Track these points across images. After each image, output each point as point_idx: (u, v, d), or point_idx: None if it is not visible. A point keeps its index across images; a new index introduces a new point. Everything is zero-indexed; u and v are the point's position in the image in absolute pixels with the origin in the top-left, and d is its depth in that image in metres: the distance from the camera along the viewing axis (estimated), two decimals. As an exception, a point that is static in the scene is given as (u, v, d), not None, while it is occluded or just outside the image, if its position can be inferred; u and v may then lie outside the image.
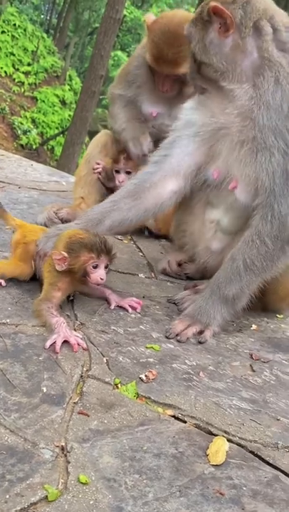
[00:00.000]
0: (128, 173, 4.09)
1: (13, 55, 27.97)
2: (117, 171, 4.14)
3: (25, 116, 26.48)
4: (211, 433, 2.23)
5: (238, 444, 2.19)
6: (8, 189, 4.91)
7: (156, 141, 3.66)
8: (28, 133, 25.34)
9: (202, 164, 3.15)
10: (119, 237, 4.10)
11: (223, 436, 2.21)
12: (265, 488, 1.98)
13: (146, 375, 2.48)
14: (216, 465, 2.05)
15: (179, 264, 3.64)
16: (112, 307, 3.06)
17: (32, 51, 28.95)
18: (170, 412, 2.30)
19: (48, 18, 39.27)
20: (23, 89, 27.37)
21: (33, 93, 27.90)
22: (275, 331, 3.19)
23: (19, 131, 25.21)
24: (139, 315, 3.04)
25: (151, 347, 2.74)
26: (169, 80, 3.90)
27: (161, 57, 3.80)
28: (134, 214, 3.22)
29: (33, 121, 26.84)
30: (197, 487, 1.92)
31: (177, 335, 2.89)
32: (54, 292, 2.84)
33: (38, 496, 1.76)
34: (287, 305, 3.38)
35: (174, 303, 3.24)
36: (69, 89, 29.95)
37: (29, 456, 1.93)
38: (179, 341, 2.86)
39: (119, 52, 31.09)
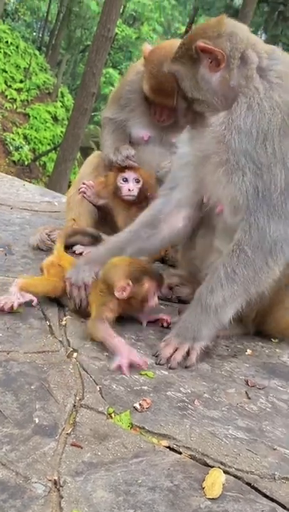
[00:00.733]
0: (138, 181, 3.97)
1: (6, 71, 28.08)
2: (125, 180, 3.97)
3: (18, 133, 26.53)
4: (206, 464, 2.18)
5: (235, 476, 2.15)
6: (0, 210, 4.87)
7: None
8: (20, 149, 25.38)
9: (199, 191, 3.24)
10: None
11: (220, 467, 2.17)
12: (262, 522, 1.94)
13: (140, 404, 2.44)
14: (213, 498, 2.01)
15: (170, 288, 3.62)
16: (144, 325, 3.20)
17: (24, 68, 29.08)
18: (165, 442, 2.26)
19: (41, 35, 39.49)
20: (15, 106, 27.45)
21: (25, 110, 27.97)
22: (270, 355, 3.15)
23: (11, 148, 25.27)
24: (132, 340, 3.00)
25: (146, 374, 2.70)
26: (167, 111, 3.90)
27: (160, 90, 3.79)
28: (153, 242, 3.38)
29: (25, 137, 26.88)
30: (193, 523, 1.88)
31: (167, 360, 2.86)
32: (106, 313, 2.95)
33: (30, 534, 1.71)
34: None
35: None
36: (61, 106, 30.07)
37: (21, 491, 1.88)
38: (170, 368, 2.82)
39: (110, 70, 31.24)
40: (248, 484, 2.12)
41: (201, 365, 2.90)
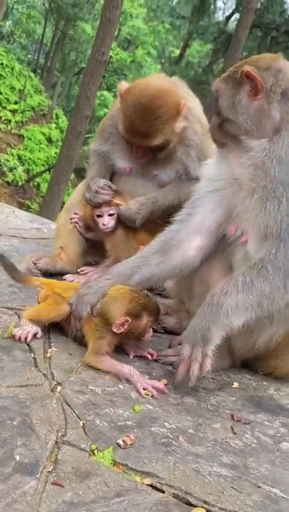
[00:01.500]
0: (111, 215, 3.98)
1: (1, 93, 28.30)
2: (99, 215, 3.99)
3: (12, 154, 26.63)
4: (189, 503, 2.15)
5: (218, 516, 2.12)
6: (-11, 237, 4.87)
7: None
8: (14, 170, 25.46)
9: (222, 220, 3.24)
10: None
11: (203, 506, 2.13)
12: None
13: (123, 440, 2.40)
14: (195, 540, 1.98)
15: None
16: (131, 357, 3.19)
17: (19, 90, 29.30)
18: (148, 480, 2.22)
19: (36, 57, 39.87)
20: (9, 127, 27.61)
21: (19, 131, 28.13)
22: (256, 388, 3.13)
23: (5, 168, 25.35)
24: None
25: (132, 409, 2.67)
26: (142, 149, 3.91)
27: (133, 130, 3.80)
28: (162, 270, 3.33)
29: (20, 158, 26.99)
30: None
31: (186, 377, 2.86)
32: (103, 346, 3.00)
33: None
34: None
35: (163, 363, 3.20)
36: (55, 127, 30.26)
37: (-1, 533, 1.85)
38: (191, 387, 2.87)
39: (105, 92, 31.48)
40: (231, 524, 2.09)
41: (187, 399, 2.87)
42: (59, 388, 2.71)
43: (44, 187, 24.30)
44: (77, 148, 16.54)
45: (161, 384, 2.88)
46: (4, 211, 5.96)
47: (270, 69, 2.99)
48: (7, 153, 26.41)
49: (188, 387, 2.88)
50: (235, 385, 3.10)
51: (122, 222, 3.97)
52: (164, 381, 2.93)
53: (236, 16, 25.53)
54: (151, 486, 2.21)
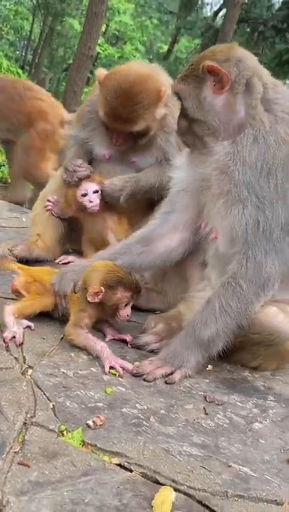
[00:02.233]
0: (96, 192, 3.94)
1: (-12, 90, 28.15)
2: (84, 194, 3.94)
3: (0, 151, 26.50)
4: (158, 482, 2.13)
5: (186, 494, 2.10)
6: None
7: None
8: (2, 167, 25.33)
9: (196, 217, 3.27)
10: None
11: (171, 485, 2.12)
12: None
13: (93, 421, 2.38)
14: (161, 517, 1.96)
15: None
16: (107, 339, 3.18)
17: (7, 86, 29.14)
18: (116, 460, 2.20)
19: (24, 54, 39.67)
20: (-3, 124, 27.47)
21: (7, 127, 27.99)
22: (231, 371, 3.12)
23: (-7, 166, 25.18)
24: (91, 356, 2.95)
25: (104, 391, 2.66)
26: (123, 135, 3.90)
27: (114, 116, 3.79)
28: (144, 259, 3.37)
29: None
30: None
31: (147, 374, 2.86)
32: (83, 318, 3.04)
33: None
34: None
35: (138, 347, 3.20)
36: (44, 124, 30.07)
37: None
38: (145, 380, 2.83)
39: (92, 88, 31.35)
40: (199, 502, 2.07)
41: (160, 381, 2.85)
42: (30, 371, 2.69)
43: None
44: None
45: (130, 365, 2.87)
46: (-17, 201, 5.93)
47: (229, 60, 2.94)
48: (-5, 150, 26.28)
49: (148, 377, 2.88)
50: (210, 367, 3.09)
51: (105, 202, 3.95)
52: (137, 364, 2.91)
53: (224, 11, 25.47)
54: (119, 465, 2.19)
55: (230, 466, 2.30)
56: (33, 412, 2.38)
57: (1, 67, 29.73)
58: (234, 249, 2.99)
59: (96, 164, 4.16)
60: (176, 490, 2.09)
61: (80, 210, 3.97)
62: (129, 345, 3.18)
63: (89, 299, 3.01)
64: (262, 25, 24.63)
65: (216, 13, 29.02)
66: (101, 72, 3.97)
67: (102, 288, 3.01)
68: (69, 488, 2.01)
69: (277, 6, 25.45)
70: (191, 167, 3.22)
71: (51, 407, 2.45)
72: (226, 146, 2.97)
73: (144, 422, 2.48)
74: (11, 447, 2.16)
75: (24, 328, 3.04)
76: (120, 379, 2.80)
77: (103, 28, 30.34)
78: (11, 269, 3.32)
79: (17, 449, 2.16)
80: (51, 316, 3.26)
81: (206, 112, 2.97)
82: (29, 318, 3.14)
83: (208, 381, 2.96)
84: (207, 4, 32.24)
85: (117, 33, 36.48)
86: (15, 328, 2.98)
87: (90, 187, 3.88)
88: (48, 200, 4.15)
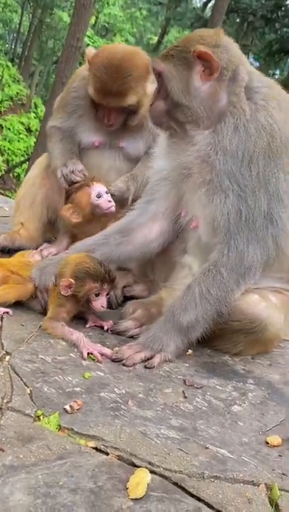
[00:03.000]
0: (107, 192, 3.73)
1: (-22, 83, 28.04)
2: (99, 196, 3.67)
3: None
4: (134, 464, 2.13)
5: (162, 476, 2.10)
6: None
7: None
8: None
9: (175, 205, 3.24)
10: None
11: (147, 467, 2.12)
12: (184, 521, 1.89)
13: (70, 406, 2.38)
14: (136, 499, 1.95)
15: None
16: (88, 326, 3.21)
17: (-4, 80, 29.03)
18: (92, 443, 2.20)
19: (13, 47, 39.48)
20: (-13, 117, 27.38)
21: (-2, 121, 27.89)
22: (211, 355, 3.12)
23: (-16, 159, 25.17)
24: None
25: (82, 376, 2.65)
26: (114, 113, 3.84)
27: (106, 91, 3.74)
28: (122, 250, 3.33)
29: (-1, 148, 26.79)
30: (111, 523, 1.83)
31: (126, 359, 2.85)
32: (61, 313, 3.04)
33: None
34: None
35: (118, 333, 3.19)
36: (34, 117, 30.02)
37: None
38: (124, 365, 2.83)
39: (83, 80, 31.26)
40: (175, 484, 2.08)
41: (139, 366, 2.85)
42: (8, 358, 2.68)
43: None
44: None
45: (109, 350, 2.86)
46: None
47: (219, 46, 2.92)
48: (-15, 144, 26.23)
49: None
50: (190, 352, 3.08)
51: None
52: (116, 349, 2.91)
53: (213, 1, 25.39)
54: (95, 448, 2.19)
55: (207, 448, 2.30)
56: (10, 398, 2.37)
57: (-9, 60, 29.73)
58: (216, 238, 2.98)
59: (84, 153, 4.09)
60: (152, 472, 2.09)
61: (92, 213, 3.70)
62: (109, 332, 3.17)
63: (62, 292, 3.02)
64: (251, 16, 24.54)
65: (206, 3, 28.92)
66: (90, 50, 3.95)
67: (72, 280, 3.00)
68: (44, 471, 2.00)
69: (266, -4, 25.34)
70: (171, 155, 3.18)
71: (28, 392, 2.44)
72: (206, 135, 2.95)
73: (122, 406, 2.48)
74: (-14, 432, 2.15)
75: (1, 315, 3.03)
76: (99, 364, 2.79)
77: (93, 20, 30.25)
78: None
79: (-8, 434, 2.15)
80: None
81: (192, 97, 2.92)
82: (7, 306, 3.13)
83: (187, 365, 2.96)
84: (197, -5, 32.14)
85: (106, 25, 36.36)
86: None
87: (101, 188, 3.71)
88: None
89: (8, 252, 3.90)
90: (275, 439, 2.44)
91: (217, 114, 2.93)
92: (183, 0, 27.75)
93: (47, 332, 2.97)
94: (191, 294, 2.95)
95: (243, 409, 2.66)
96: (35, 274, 3.19)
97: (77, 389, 2.54)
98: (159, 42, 33.08)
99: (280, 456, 2.36)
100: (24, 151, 27.67)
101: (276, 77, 25.69)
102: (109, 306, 3.33)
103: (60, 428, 2.27)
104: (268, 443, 2.43)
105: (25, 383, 2.50)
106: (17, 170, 26.68)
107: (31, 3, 33.47)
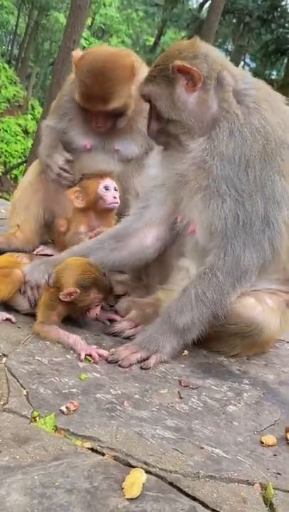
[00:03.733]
0: (116, 189, 3.74)
1: (-26, 85, 28.05)
2: (107, 188, 3.71)
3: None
4: (129, 465, 2.15)
5: (157, 475, 2.12)
6: None
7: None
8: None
9: (172, 211, 3.25)
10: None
11: (143, 467, 2.13)
12: (179, 521, 1.91)
13: (67, 407, 2.39)
14: (131, 498, 1.97)
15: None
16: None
17: (-7, 82, 29.04)
18: (88, 444, 2.22)
19: (10, 48, 39.50)
20: (-16, 120, 27.40)
21: (-6, 123, 27.91)
22: (207, 356, 3.14)
23: (-19, 161, 25.18)
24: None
25: (78, 377, 2.67)
26: (101, 116, 3.87)
27: (90, 95, 3.77)
28: (117, 256, 3.33)
29: (-5, 150, 26.80)
30: (107, 523, 1.85)
31: (122, 360, 2.87)
32: (52, 316, 3.02)
33: None
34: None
35: (114, 334, 3.20)
36: (31, 119, 30.06)
37: None
38: (120, 366, 2.84)
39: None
40: (170, 483, 2.09)
41: (135, 367, 2.87)
42: (4, 359, 2.69)
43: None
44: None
45: (105, 351, 2.88)
46: None
47: (197, 56, 2.95)
48: (-18, 146, 26.24)
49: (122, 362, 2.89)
50: (185, 352, 3.10)
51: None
52: (112, 350, 2.93)
53: (210, 2, 25.43)
54: (91, 449, 2.20)
55: (202, 448, 2.32)
56: (6, 399, 2.39)
57: (-13, 62, 29.74)
58: (213, 242, 3.00)
59: (77, 156, 4.11)
60: (147, 472, 2.10)
61: (95, 203, 3.73)
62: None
63: (61, 297, 2.99)
64: (247, 16, 24.58)
65: (202, 4, 28.96)
66: (77, 53, 3.96)
67: (77, 289, 2.99)
68: (40, 472, 2.02)
69: (262, -3, 25.39)
70: (166, 164, 3.20)
71: (24, 393, 2.46)
72: (201, 142, 2.97)
73: (118, 407, 2.50)
74: (-17, 433, 2.16)
75: (4, 320, 3.06)
76: (95, 365, 2.81)
77: (89, 22, 30.26)
78: None
79: (-12, 435, 2.17)
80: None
81: (181, 111, 2.96)
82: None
83: (183, 366, 2.98)
84: (193, -4, 32.18)
85: (103, 26, 36.39)
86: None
87: (111, 183, 3.72)
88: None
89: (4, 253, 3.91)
90: (269, 439, 2.46)
91: (210, 121, 2.96)
92: (179, 1, 27.79)
93: (41, 336, 2.97)
94: (187, 296, 2.97)
95: (238, 409, 2.68)
96: (28, 269, 3.20)
97: (74, 390, 2.56)
98: (156, 43, 33.12)
99: (274, 455, 2.37)
100: (21, 152, 27.70)
101: (273, 77, 25.75)
102: None
103: (56, 429, 2.28)
104: (262, 443, 2.44)
105: (21, 385, 2.51)
106: (14, 171, 26.71)
107: (27, 5, 33.51)
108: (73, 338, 2.92)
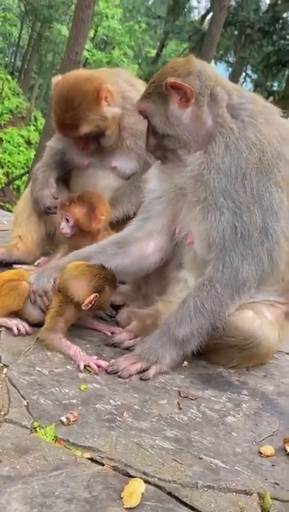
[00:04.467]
0: (67, 220, 3.68)
1: (-23, 97, 28.23)
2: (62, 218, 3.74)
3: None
4: (128, 475, 2.17)
5: (156, 485, 2.14)
6: None
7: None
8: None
9: (171, 223, 3.29)
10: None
11: (142, 477, 2.16)
12: (177, 530, 1.93)
13: (67, 418, 2.42)
14: (130, 508, 2.00)
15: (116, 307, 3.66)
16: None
17: (-4, 93, 29.22)
18: (88, 454, 2.25)
19: (13, 60, 39.76)
20: (-13, 131, 27.54)
21: (-3, 134, 28.05)
22: (206, 367, 3.16)
23: (-16, 172, 25.29)
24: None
25: (78, 388, 2.70)
26: (80, 140, 3.93)
27: (61, 123, 3.86)
28: (119, 262, 3.34)
29: (-1, 161, 26.92)
30: (105, 532, 1.87)
31: (122, 370, 2.90)
32: (59, 323, 3.05)
33: None
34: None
35: (114, 345, 3.23)
36: (34, 130, 30.20)
37: None
38: (120, 377, 2.87)
39: (82, 93, 31.43)
40: (169, 493, 2.12)
41: (135, 378, 2.90)
42: (5, 370, 2.72)
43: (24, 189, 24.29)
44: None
45: (104, 362, 2.91)
46: None
47: (191, 73, 3.01)
48: (-14, 157, 26.36)
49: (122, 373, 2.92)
50: (185, 363, 3.13)
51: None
52: (112, 361, 2.95)
53: (211, 14, 25.60)
54: (91, 459, 2.23)
55: (201, 459, 2.34)
56: (7, 410, 2.42)
57: (-10, 73, 29.94)
58: (211, 254, 3.04)
59: (76, 173, 4.20)
60: (146, 482, 2.13)
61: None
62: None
63: (83, 307, 3.05)
64: (249, 28, 24.70)
65: (204, 16, 29.19)
66: (56, 79, 4.02)
67: (96, 294, 3.04)
68: (40, 481, 2.05)
69: (263, 9, 25.54)
70: (164, 177, 3.26)
71: (25, 404, 2.49)
72: (198, 156, 3.02)
73: (118, 418, 2.52)
74: (-16, 443, 2.19)
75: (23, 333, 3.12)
76: (95, 376, 2.84)
77: (92, 33, 30.46)
78: None
79: (-11, 445, 2.19)
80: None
81: (175, 126, 3.02)
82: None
83: (183, 377, 3.00)
84: (195, 8, 32.36)
85: (105, 38, 36.63)
86: (10, 322, 3.12)
87: (64, 214, 3.68)
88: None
89: (6, 265, 3.95)
90: (268, 449, 2.48)
91: (206, 135, 3.02)
92: (181, 13, 27.97)
93: (44, 344, 3.00)
94: (187, 308, 3.00)
95: (237, 419, 2.70)
96: (33, 278, 3.24)
97: (74, 401, 2.59)
98: (158, 55, 33.29)
99: (272, 465, 2.40)
100: (24, 163, 27.82)
101: (274, 88, 25.87)
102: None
103: (56, 439, 2.31)
104: (261, 453, 2.46)
105: (22, 395, 2.54)
106: (17, 182, 26.82)
107: (30, 17, 33.75)
108: (74, 349, 2.94)
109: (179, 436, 2.47)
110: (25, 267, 3.98)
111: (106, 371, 2.89)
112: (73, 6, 29.55)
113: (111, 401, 2.64)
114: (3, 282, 3.20)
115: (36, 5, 31.15)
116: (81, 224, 3.62)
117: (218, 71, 3.28)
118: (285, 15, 24.21)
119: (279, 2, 23.57)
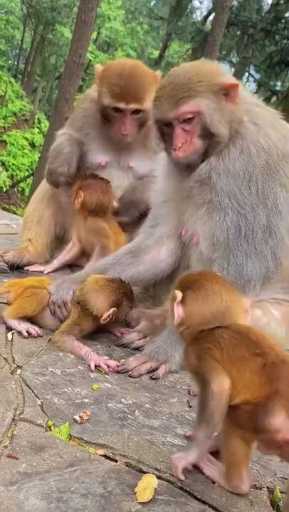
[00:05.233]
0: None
1: (-19, 100, 28.33)
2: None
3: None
4: (141, 471, 2.24)
5: (168, 481, 2.20)
6: None
7: None
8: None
9: (178, 225, 3.36)
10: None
11: (154, 473, 2.22)
12: (189, 523, 2.00)
13: (80, 416, 2.49)
14: (144, 502, 2.06)
15: None
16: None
17: (0, 96, 29.28)
18: (101, 451, 2.31)
19: (16, 63, 39.89)
20: (-9, 133, 27.64)
21: (1, 137, 28.14)
22: (215, 365, 3.22)
23: (-12, 175, 25.38)
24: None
25: (90, 387, 2.76)
26: (132, 120, 3.96)
27: (124, 92, 3.87)
28: (134, 270, 3.45)
29: (3, 164, 27.04)
30: (121, 526, 1.93)
31: (132, 370, 2.96)
32: (74, 330, 3.14)
33: None
34: None
35: (124, 345, 3.30)
36: (38, 132, 30.30)
37: None
38: (131, 376, 2.94)
39: (86, 95, 31.53)
40: (181, 488, 2.18)
41: (145, 377, 2.96)
42: (19, 371, 2.79)
43: (28, 192, 24.38)
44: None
45: (114, 362, 2.98)
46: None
47: (224, 73, 3.09)
48: (-10, 160, 26.46)
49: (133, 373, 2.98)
50: (194, 362, 3.19)
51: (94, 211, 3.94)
52: (122, 361, 3.02)
53: (214, 15, 25.63)
54: (104, 456, 2.30)
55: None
56: (22, 409, 2.49)
57: (-6, 76, 30.04)
58: (216, 253, 3.10)
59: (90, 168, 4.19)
60: (158, 477, 2.19)
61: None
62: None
63: (102, 321, 3.17)
64: (251, 28, 24.72)
65: (206, 17, 29.21)
66: (99, 66, 4.11)
67: (114, 308, 3.16)
68: (56, 478, 2.11)
69: (266, 9, 25.56)
70: (172, 178, 3.32)
71: (39, 403, 2.56)
72: (209, 160, 3.06)
73: (129, 416, 2.59)
74: (1, 442, 2.26)
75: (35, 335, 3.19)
76: (106, 376, 2.90)
77: (94, 35, 30.54)
78: (2, 293, 3.35)
79: (6, 444, 2.26)
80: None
81: (223, 125, 3.02)
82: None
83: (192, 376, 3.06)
84: (197, 9, 32.46)
85: (108, 40, 36.73)
86: (23, 325, 3.18)
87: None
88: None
89: (17, 268, 4.02)
90: (276, 445, 2.53)
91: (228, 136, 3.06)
92: (183, 14, 28.00)
93: (57, 345, 3.08)
94: None
95: (246, 417, 2.76)
96: (53, 289, 3.33)
97: (86, 400, 2.65)
98: (161, 56, 33.38)
99: (281, 461, 2.44)
100: (28, 166, 27.93)
101: (277, 88, 25.89)
102: None
103: (70, 437, 2.38)
104: (269, 449, 2.52)
105: (36, 395, 2.61)
106: (21, 185, 26.92)
107: (33, 20, 33.86)
108: (85, 350, 3.02)
109: (190, 434, 2.53)
110: (33, 268, 4.06)
111: (117, 371, 2.95)
112: (76, 9, 29.69)
113: (122, 400, 2.71)
114: (26, 287, 3.29)
115: (39, 7, 31.28)
116: (89, 206, 3.84)
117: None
118: (287, 14, 24.23)
119: (281, 2, 23.55)
